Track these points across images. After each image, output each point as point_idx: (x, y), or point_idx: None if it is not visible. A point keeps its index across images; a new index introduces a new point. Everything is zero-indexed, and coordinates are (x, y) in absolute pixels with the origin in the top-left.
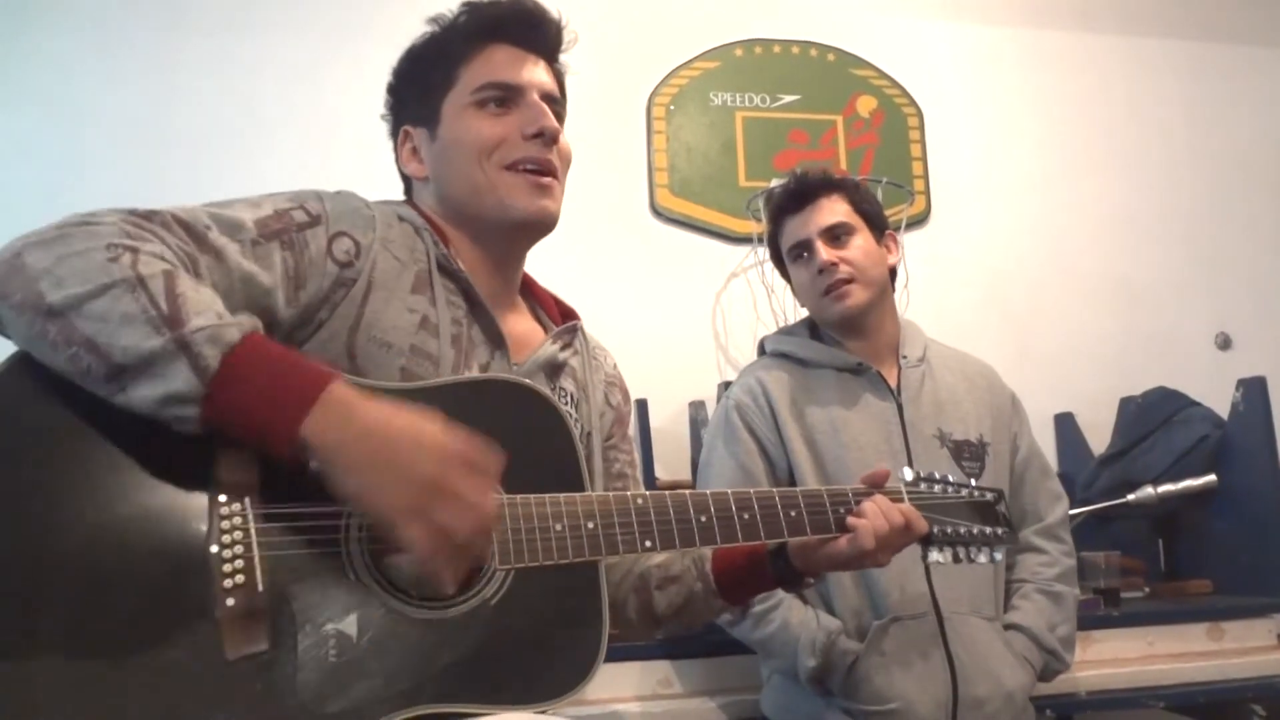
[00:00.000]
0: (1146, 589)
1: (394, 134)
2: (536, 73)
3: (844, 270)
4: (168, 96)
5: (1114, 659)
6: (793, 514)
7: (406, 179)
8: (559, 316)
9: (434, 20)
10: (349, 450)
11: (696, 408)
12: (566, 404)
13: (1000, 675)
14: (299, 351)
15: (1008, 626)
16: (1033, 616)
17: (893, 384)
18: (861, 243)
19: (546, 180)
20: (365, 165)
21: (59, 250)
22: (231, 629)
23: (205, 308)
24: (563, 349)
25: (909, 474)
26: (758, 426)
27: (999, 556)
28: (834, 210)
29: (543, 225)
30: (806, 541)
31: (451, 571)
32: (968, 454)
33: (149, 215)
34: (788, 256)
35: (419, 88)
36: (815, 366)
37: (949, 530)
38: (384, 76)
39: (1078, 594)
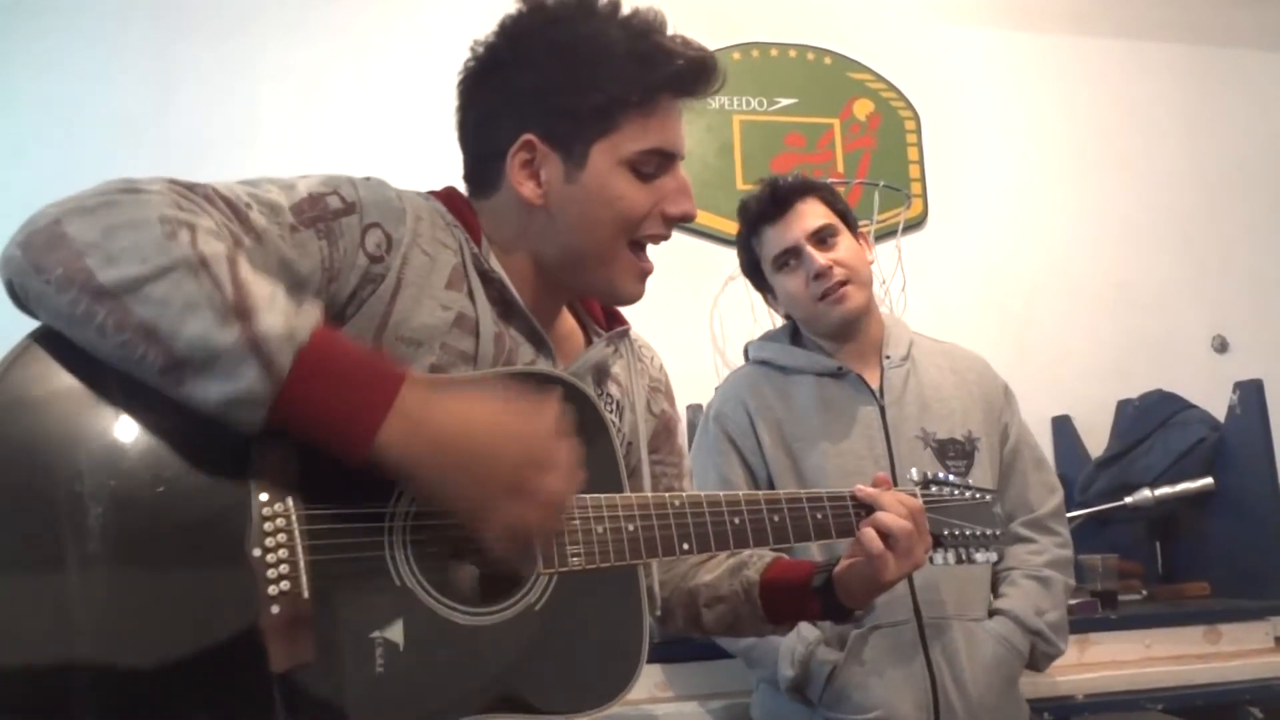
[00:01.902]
0: (1144, 592)
1: (504, 128)
2: (683, 132)
3: (839, 273)
4: (164, 100)
5: (1111, 661)
6: (819, 516)
7: (484, 179)
8: (604, 318)
9: (583, 11)
10: (426, 461)
11: (694, 411)
12: (611, 411)
13: (982, 679)
14: (362, 352)
15: (993, 612)
16: (1018, 601)
17: (875, 386)
18: (848, 243)
19: (651, 265)
20: (364, 169)
21: (106, 220)
22: (276, 639)
23: (270, 298)
24: (611, 353)
25: (916, 474)
26: (737, 436)
27: (994, 557)
28: (816, 213)
29: (629, 304)
30: (841, 574)
31: (534, 559)
32: (953, 453)
33: (192, 188)
34: (772, 265)
35: (563, 105)
36: (795, 372)
37: (955, 532)
38: (385, 80)
39: (1071, 582)
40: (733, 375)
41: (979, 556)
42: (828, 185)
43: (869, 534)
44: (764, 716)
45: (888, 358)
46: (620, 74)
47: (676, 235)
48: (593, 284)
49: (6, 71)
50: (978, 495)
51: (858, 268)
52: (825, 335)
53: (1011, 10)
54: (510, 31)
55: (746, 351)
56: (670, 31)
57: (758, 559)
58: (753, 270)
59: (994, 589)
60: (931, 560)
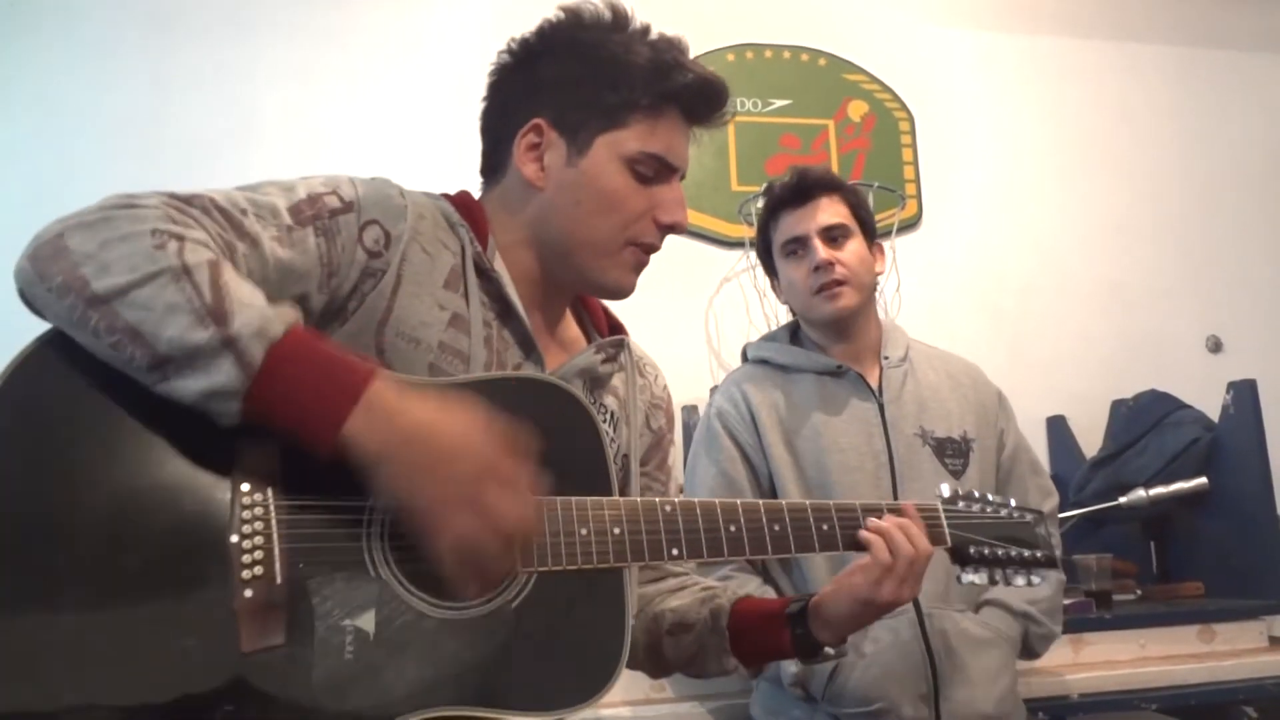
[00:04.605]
0: (1138, 591)
1: (519, 112)
2: (687, 151)
3: (839, 271)
4: (159, 101)
5: (1106, 661)
6: (824, 527)
7: (495, 163)
8: (606, 328)
9: (617, 25)
10: (389, 454)
11: (689, 412)
12: (605, 422)
13: (982, 671)
14: (335, 351)
15: (983, 604)
16: (1007, 591)
17: (874, 385)
18: (856, 247)
19: (649, 260)
20: (360, 172)
21: (103, 234)
22: (248, 621)
23: (249, 300)
24: (605, 361)
25: (946, 490)
26: (739, 433)
27: (1037, 580)
28: (834, 211)
29: (620, 298)
30: (825, 596)
31: (479, 584)
32: (950, 451)
33: (189, 200)
34: (780, 252)
35: (578, 97)
36: (796, 371)
37: (985, 551)
38: (375, 81)
39: (1062, 577)
40: (733, 374)
41: (1018, 579)
42: (855, 189)
43: (877, 542)
44: (765, 713)
45: (886, 358)
46: (636, 78)
47: (672, 236)
48: (585, 273)
49: (3, 75)
50: (1017, 514)
51: (859, 272)
52: (819, 330)
53: (1005, 12)
54: (545, 31)
55: (745, 352)
56: (691, 56)
57: (732, 590)
58: (765, 253)
59: None
60: (959, 580)
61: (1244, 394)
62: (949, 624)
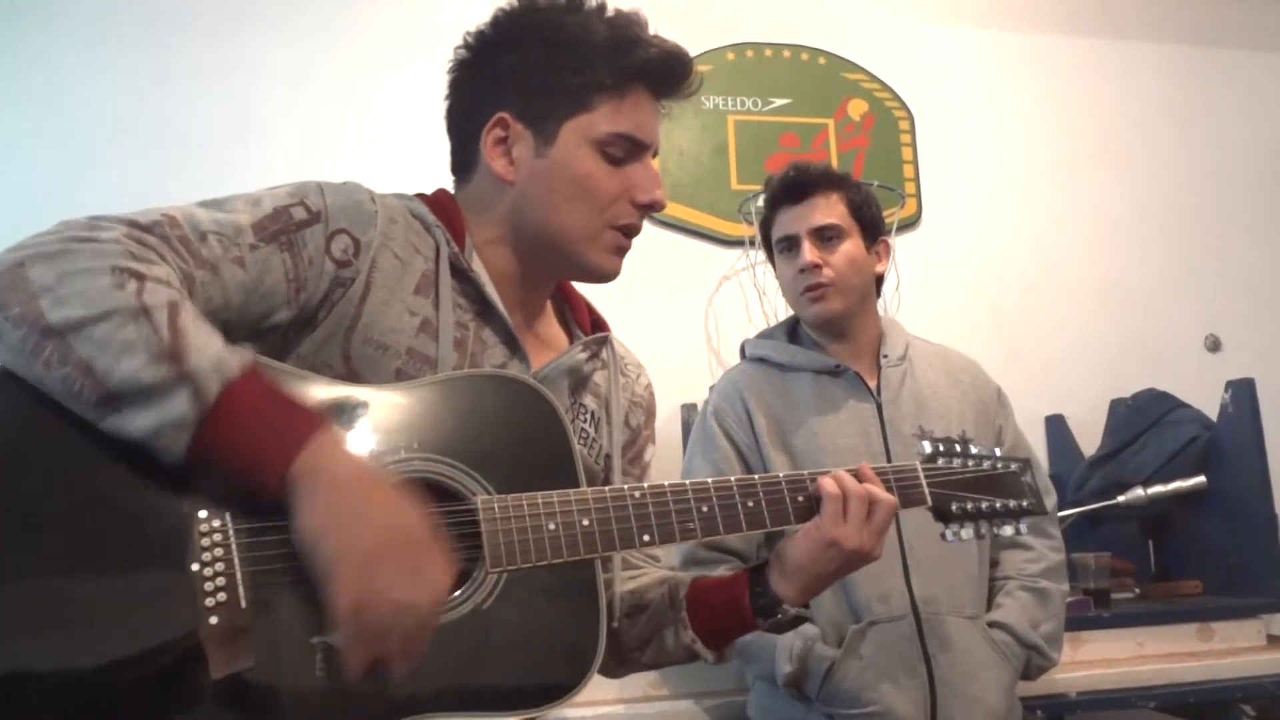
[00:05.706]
0: (1137, 590)
1: (483, 108)
2: (658, 127)
3: (825, 275)
4: (160, 99)
5: (1104, 659)
6: (800, 499)
7: (464, 161)
8: (589, 325)
9: (571, 6)
10: (318, 501)
11: (688, 410)
12: (585, 422)
13: (979, 675)
14: (289, 394)
15: (990, 624)
16: (1015, 614)
17: (873, 384)
18: (849, 248)
19: (630, 242)
20: (359, 168)
21: (63, 266)
22: (216, 647)
23: (204, 342)
24: (589, 359)
25: (927, 448)
26: (734, 432)
27: (1024, 528)
28: (830, 210)
29: (605, 281)
30: (786, 539)
31: (363, 653)
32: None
33: (149, 228)
34: (775, 247)
35: (540, 84)
36: (793, 370)
37: (969, 506)
38: (376, 78)
39: (1066, 590)
40: (730, 372)
41: (1006, 529)
42: (855, 184)
43: (828, 483)
44: (761, 714)
45: (885, 357)
46: (597, 58)
47: (671, 235)
48: (568, 258)
49: (3, 73)
50: (1001, 465)
51: (847, 275)
52: (815, 328)
53: (1004, 11)
54: (499, 21)
55: (743, 349)
56: (651, 31)
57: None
58: (769, 247)
59: (990, 594)
60: (945, 537)
61: (1242, 393)
62: (948, 630)
